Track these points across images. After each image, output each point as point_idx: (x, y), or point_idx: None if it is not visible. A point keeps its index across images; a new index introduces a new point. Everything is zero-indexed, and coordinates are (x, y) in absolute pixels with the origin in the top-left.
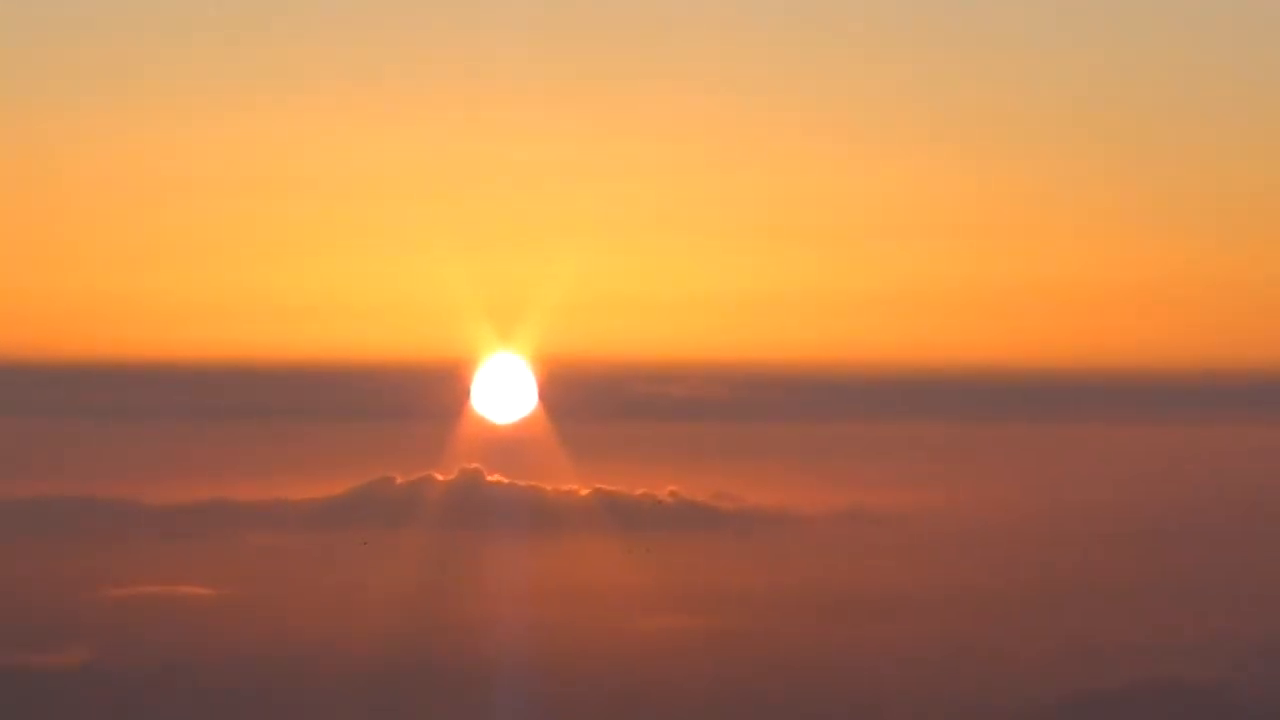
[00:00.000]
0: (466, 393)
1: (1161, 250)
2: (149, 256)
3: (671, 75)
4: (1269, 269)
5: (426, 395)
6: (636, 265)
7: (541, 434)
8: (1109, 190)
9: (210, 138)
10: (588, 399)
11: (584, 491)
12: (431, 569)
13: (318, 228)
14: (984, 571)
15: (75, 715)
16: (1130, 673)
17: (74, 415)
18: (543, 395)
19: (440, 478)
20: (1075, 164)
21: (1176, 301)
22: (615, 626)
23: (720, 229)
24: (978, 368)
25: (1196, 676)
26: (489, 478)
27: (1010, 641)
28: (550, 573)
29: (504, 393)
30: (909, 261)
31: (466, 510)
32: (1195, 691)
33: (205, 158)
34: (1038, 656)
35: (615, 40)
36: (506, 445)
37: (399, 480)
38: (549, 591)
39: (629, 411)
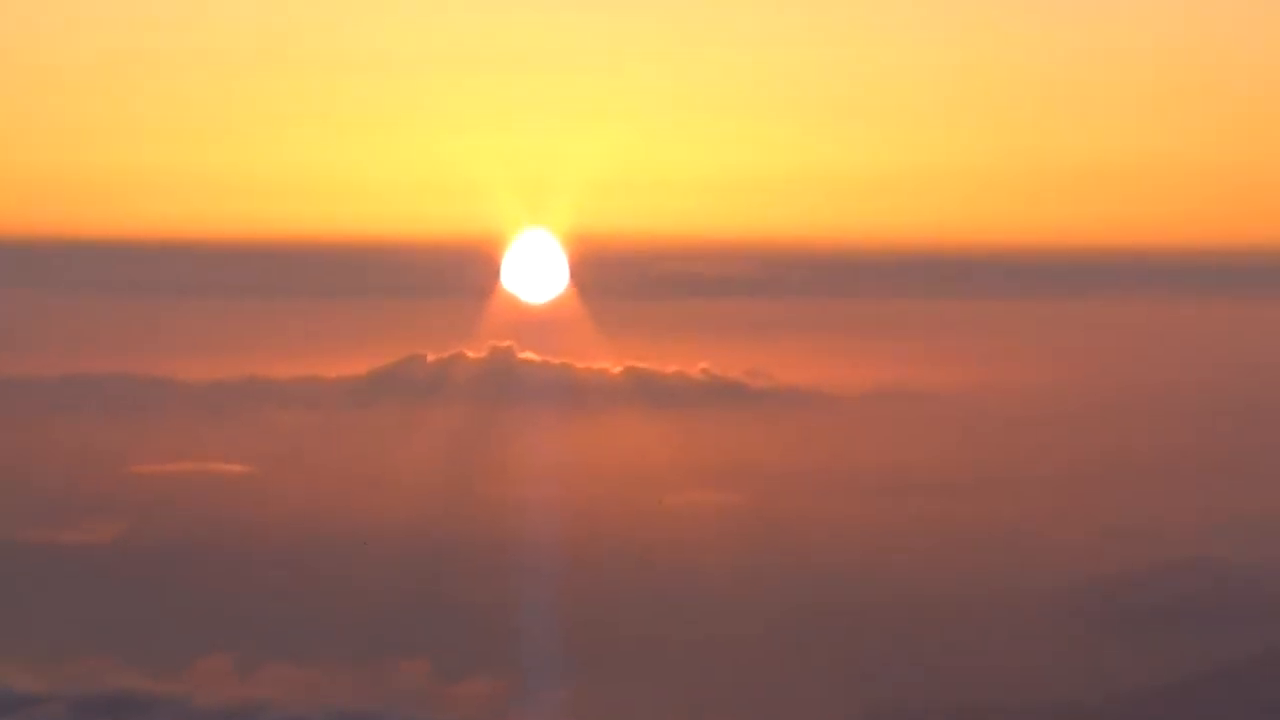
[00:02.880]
0: (498, 271)
1: (1199, 128)
2: (185, 134)
3: None
4: None
5: (458, 273)
6: (667, 144)
7: (573, 312)
8: (1140, 69)
9: (244, 16)
10: (619, 277)
11: (616, 369)
12: (462, 446)
13: (352, 106)
14: (1017, 450)
15: (109, 589)
16: (1164, 552)
17: (109, 292)
18: (574, 273)
19: (471, 355)
20: (1107, 43)
21: (1213, 178)
22: (646, 502)
23: (750, 108)
24: (1010, 245)
25: (1230, 554)
26: (520, 355)
27: (1043, 521)
28: (582, 450)
29: (535, 271)
30: (940, 139)
31: (498, 388)
32: (1228, 568)
33: (240, 37)
34: (1071, 536)
35: None
36: (538, 323)
37: (430, 358)
38: (580, 468)
39: (660, 289)
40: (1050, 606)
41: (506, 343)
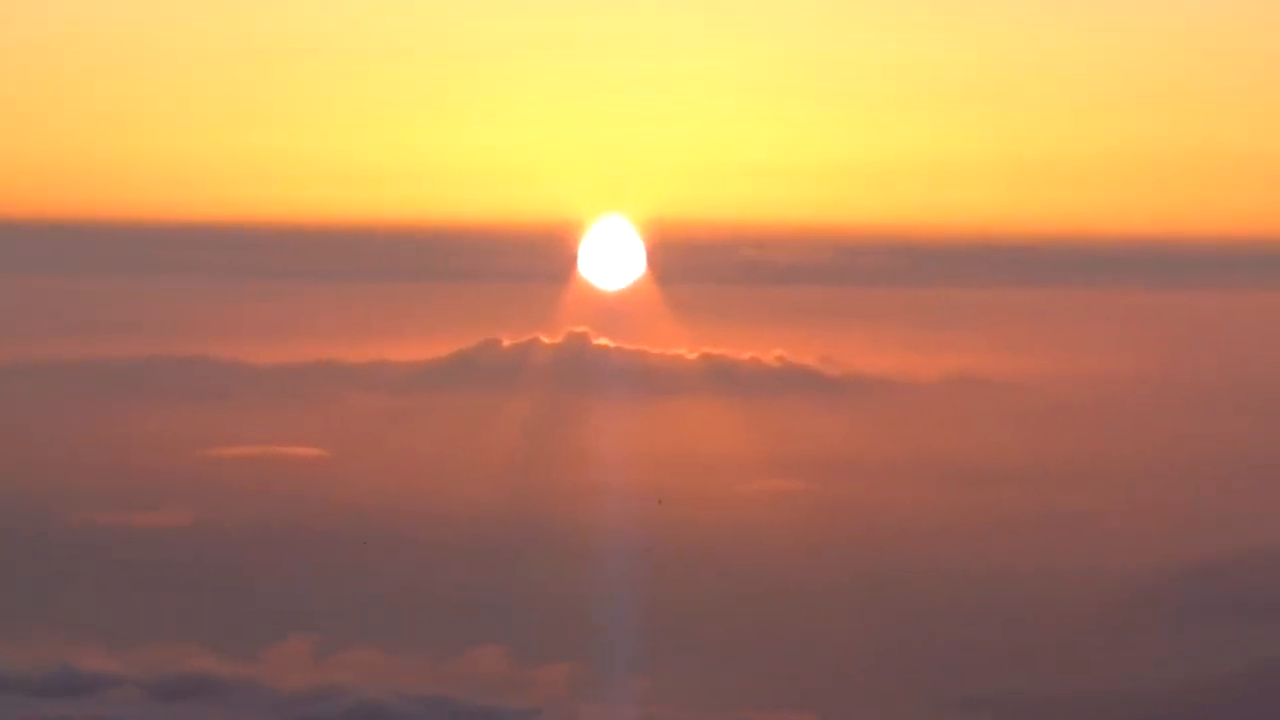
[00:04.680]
0: (574, 256)
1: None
2: (264, 119)
3: None
4: None
5: (534, 258)
6: (743, 130)
7: (648, 298)
8: (1193, 54)
9: (325, 4)
10: (695, 263)
11: (691, 355)
12: (537, 432)
13: (430, 93)
14: (1092, 438)
15: (184, 573)
16: (1240, 541)
17: (184, 275)
18: (650, 259)
19: (547, 341)
20: (1188, 35)
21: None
22: (721, 490)
23: (827, 96)
24: (1088, 232)
25: None
26: (596, 341)
27: (1118, 510)
28: (656, 436)
29: (611, 257)
30: (1015, 128)
31: (573, 373)
32: None
33: (316, 22)
34: (1148, 526)
35: None
36: (613, 309)
37: (506, 343)
38: (655, 454)
39: (736, 276)
40: (1127, 596)
41: (582, 328)
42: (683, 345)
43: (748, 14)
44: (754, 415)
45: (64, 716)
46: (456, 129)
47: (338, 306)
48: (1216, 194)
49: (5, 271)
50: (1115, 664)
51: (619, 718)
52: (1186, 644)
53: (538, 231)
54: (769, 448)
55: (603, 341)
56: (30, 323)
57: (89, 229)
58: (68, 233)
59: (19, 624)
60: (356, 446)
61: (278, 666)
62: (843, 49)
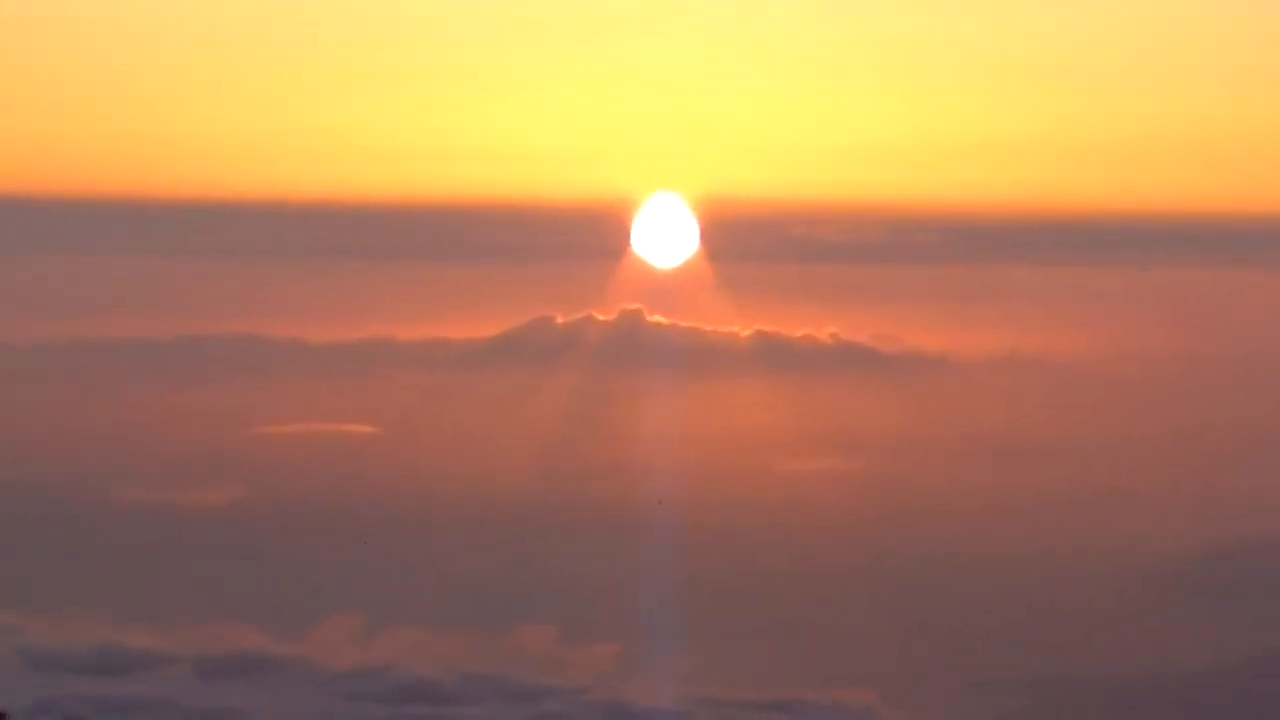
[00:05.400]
0: (628, 234)
1: None
2: (321, 97)
3: None
4: None
5: (589, 236)
6: (798, 109)
7: (702, 275)
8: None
9: None
10: (748, 241)
11: (744, 333)
12: (590, 408)
13: (483, 70)
14: (1138, 417)
15: (234, 550)
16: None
17: (237, 254)
18: (703, 237)
19: (601, 318)
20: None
21: None
22: (772, 467)
23: (877, 74)
24: (1140, 212)
25: None
26: (650, 318)
27: (1163, 488)
28: (709, 413)
29: (665, 234)
30: (1065, 107)
31: (627, 350)
32: None
33: (367, 3)
34: (1191, 504)
35: None
36: (667, 286)
37: (559, 320)
38: (708, 431)
39: (789, 254)
40: (1171, 574)
41: (636, 305)
42: (736, 323)
43: None
44: (807, 393)
45: (111, 694)
46: (513, 108)
47: (392, 285)
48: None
49: (56, 251)
50: (1154, 644)
51: (664, 696)
52: (1225, 623)
53: (592, 210)
54: (821, 426)
55: (656, 319)
56: (81, 302)
57: (140, 209)
58: (119, 212)
59: (68, 602)
60: (409, 424)
61: (326, 645)
62: (898, 28)
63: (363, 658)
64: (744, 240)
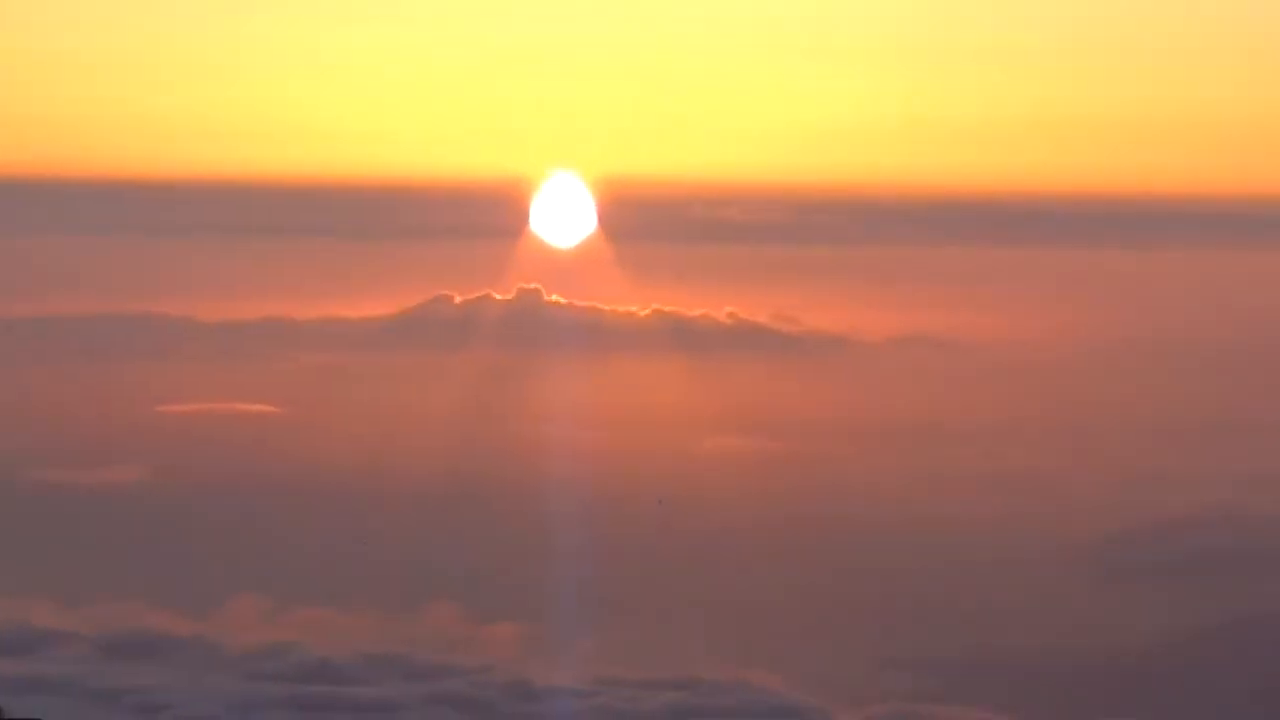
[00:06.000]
0: (526, 213)
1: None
2: (214, 75)
3: None
4: None
5: (486, 215)
6: (694, 89)
7: (600, 255)
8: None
9: None
10: (647, 221)
11: (643, 312)
12: (488, 388)
13: (377, 51)
14: (1041, 399)
15: (135, 530)
16: (1189, 501)
17: (130, 232)
18: (602, 217)
19: (499, 297)
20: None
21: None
22: (672, 446)
23: (775, 53)
24: (1037, 193)
25: (1260, 507)
26: (548, 298)
27: (1066, 470)
28: (608, 392)
29: (563, 214)
30: (965, 87)
31: (525, 330)
32: (1257, 520)
33: None
34: (1094, 486)
35: None
36: (565, 266)
37: (457, 299)
38: (607, 410)
39: (687, 234)
40: (1073, 556)
41: (534, 285)
42: (634, 302)
43: None
44: (705, 372)
45: (11, 673)
46: (410, 87)
47: (287, 264)
48: (1184, 153)
49: None
50: (1066, 625)
51: (567, 675)
52: (1137, 603)
53: (489, 189)
54: (720, 404)
55: (555, 298)
56: None
57: (35, 186)
58: (12, 190)
59: None
60: (309, 403)
61: (228, 624)
62: (789, 6)
63: (265, 637)
64: (643, 220)
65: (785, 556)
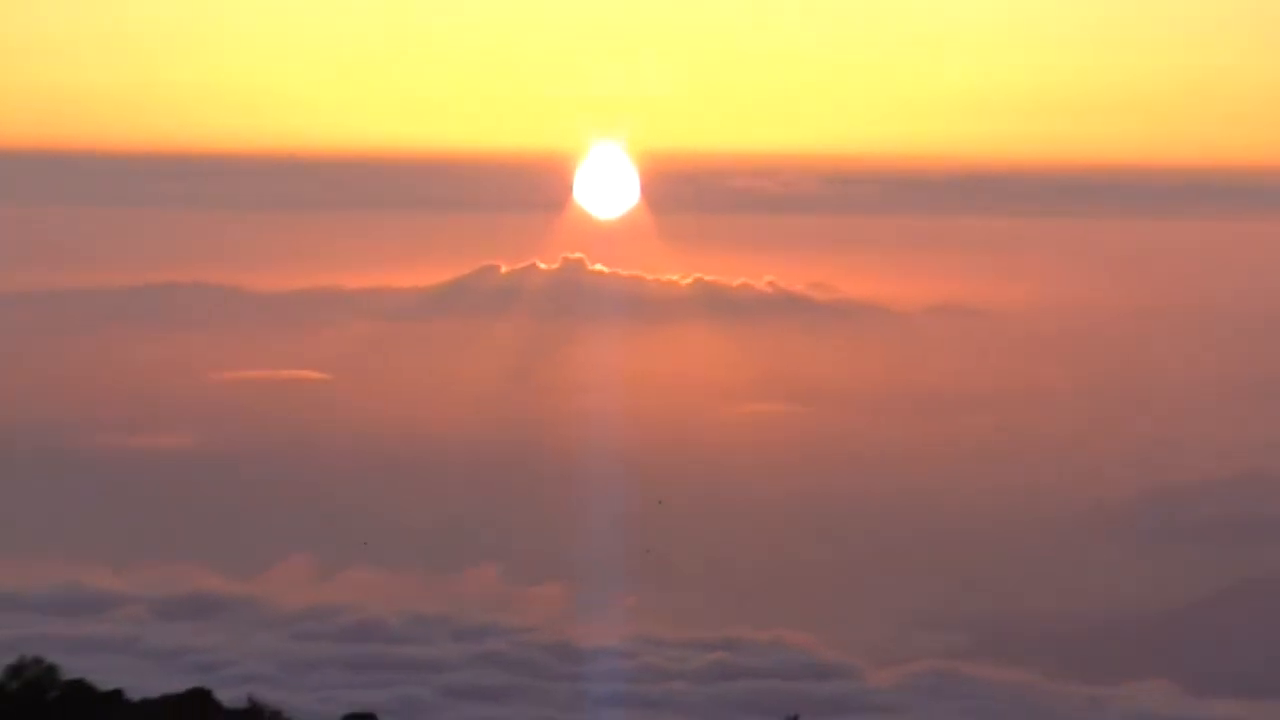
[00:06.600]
0: (570, 185)
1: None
2: (261, 49)
3: None
4: None
5: (532, 187)
6: (736, 61)
7: (643, 225)
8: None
9: None
10: (688, 192)
11: (684, 281)
12: (533, 355)
13: (427, 25)
14: (1072, 365)
15: (189, 494)
16: (1214, 466)
17: (185, 204)
18: (644, 188)
19: (544, 267)
20: None
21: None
22: (711, 412)
23: (815, 25)
24: (1069, 164)
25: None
26: (591, 267)
27: (1095, 435)
28: (650, 359)
29: (607, 185)
30: (999, 58)
31: (570, 298)
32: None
33: None
34: (1123, 450)
35: None
36: (609, 236)
37: (503, 269)
38: (648, 377)
39: (729, 204)
40: (1102, 519)
41: (578, 255)
42: (676, 271)
43: None
44: (745, 339)
45: (72, 634)
46: (458, 60)
47: (339, 235)
48: (1226, 125)
49: (3, 203)
50: (1092, 585)
51: (609, 636)
52: (1161, 564)
53: (535, 161)
54: (759, 371)
55: (598, 267)
56: (31, 253)
57: (82, 160)
58: (59, 164)
59: (28, 544)
60: (357, 370)
61: (280, 586)
62: None
63: (316, 599)
64: (685, 191)
65: (820, 519)
